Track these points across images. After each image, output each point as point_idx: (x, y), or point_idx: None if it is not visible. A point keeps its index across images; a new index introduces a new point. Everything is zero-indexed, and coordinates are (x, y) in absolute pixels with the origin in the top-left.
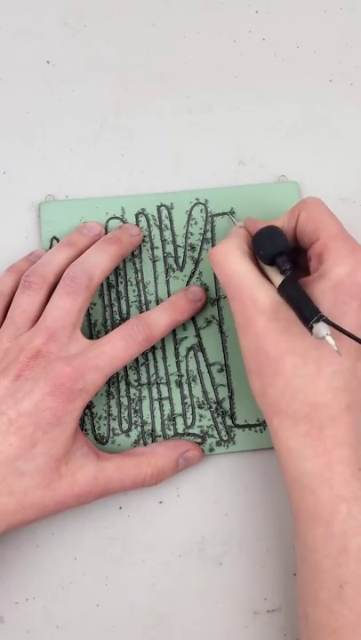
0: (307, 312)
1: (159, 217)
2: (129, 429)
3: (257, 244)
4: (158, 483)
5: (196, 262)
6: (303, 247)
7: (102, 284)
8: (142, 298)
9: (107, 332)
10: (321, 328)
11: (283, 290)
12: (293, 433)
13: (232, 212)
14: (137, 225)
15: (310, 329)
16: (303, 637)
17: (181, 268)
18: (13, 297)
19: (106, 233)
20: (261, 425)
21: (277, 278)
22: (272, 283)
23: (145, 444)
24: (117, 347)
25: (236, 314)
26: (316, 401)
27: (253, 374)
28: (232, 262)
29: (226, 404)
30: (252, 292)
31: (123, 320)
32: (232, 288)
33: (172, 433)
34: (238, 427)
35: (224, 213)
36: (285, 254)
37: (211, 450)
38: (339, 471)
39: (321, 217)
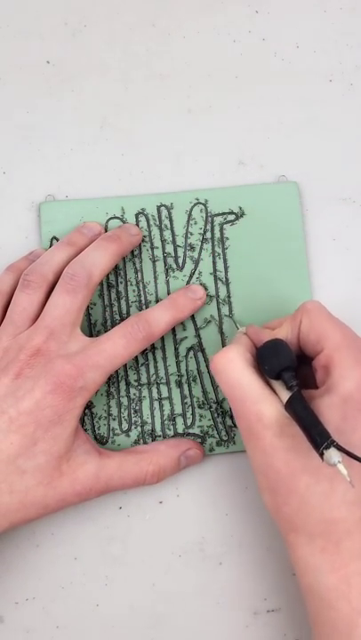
0: (317, 436)
1: (159, 217)
2: (129, 429)
3: (262, 359)
4: (159, 481)
5: (196, 262)
6: (308, 356)
7: (102, 284)
8: (142, 298)
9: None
10: (332, 455)
11: (290, 408)
12: (310, 549)
13: (233, 315)
14: (137, 225)
15: (321, 455)
16: None
17: (181, 268)
18: (12, 296)
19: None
20: None
21: (284, 394)
22: (278, 396)
23: (145, 444)
24: (118, 344)
25: (241, 428)
26: (331, 517)
27: (265, 490)
28: (235, 372)
29: (226, 404)
30: (257, 407)
31: (123, 320)
32: (235, 401)
33: (172, 433)
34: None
35: (224, 213)
36: (292, 369)
37: (211, 450)
38: (356, 584)
39: (323, 325)
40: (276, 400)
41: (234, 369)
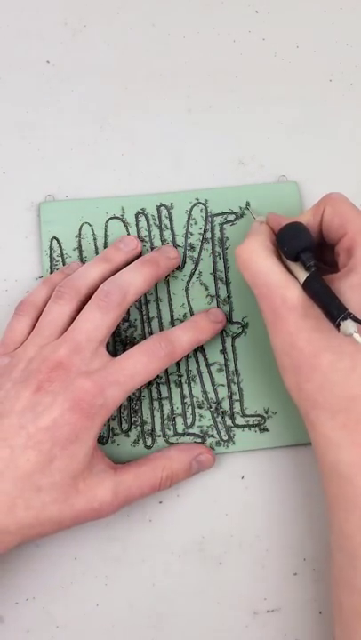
0: (333, 309)
1: (159, 217)
2: (128, 429)
3: (281, 241)
4: (172, 485)
5: (196, 262)
6: (330, 243)
7: None
8: (142, 298)
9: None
10: (348, 326)
11: (307, 286)
12: (331, 425)
13: (248, 206)
14: (137, 225)
15: (338, 327)
16: (337, 626)
17: (181, 268)
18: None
19: (105, 241)
20: (261, 425)
21: (302, 274)
22: (297, 279)
23: (145, 443)
24: (139, 362)
25: (265, 312)
26: (352, 394)
27: (288, 371)
28: (258, 260)
29: (225, 404)
30: (281, 290)
31: (122, 320)
32: (260, 287)
33: (171, 433)
34: (238, 427)
35: (224, 213)
36: (310, 250)
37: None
38: None
39: (347, 211)
40: (298, 284)
41: (257, 258)
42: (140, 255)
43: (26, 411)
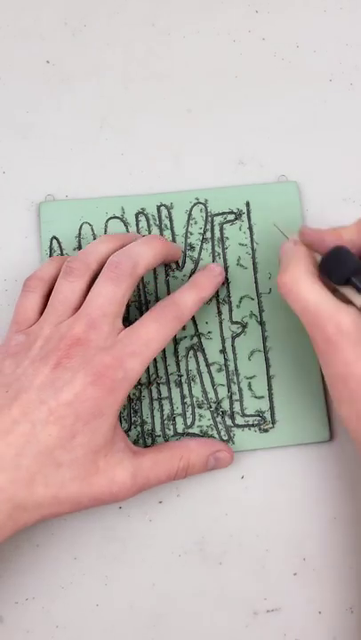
0: None
1: (159, 217)
2: (128, 429)
3: (328, 270)
4: (187, 477)
5: (196, 262)
6: None
7: None
8: (142, 297)
9: None
10: None
11: None
12: None
13: (276, 224)
14: (137, 225)
15: None
16: None
17: (181, 268)
18: (54, 285)
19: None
20: (261, 425)
21: (357, 298)
22: (352, 303)
23: (145, 443)
24: (150, 329)
25: (316, 342)
26: None
27: (345, 402)
28: (305, 288)
29: (225, 404)
30: (334, 318)
31: (123, 319)
32: (309, 315)
33: (171, 433)
34: (238, 427)
35: (224, 213)
36: (359, 272)
37: None
38: None
39: None
40: (350, 309)
41: (304, 286)
42: (150, 233)
43: (46, 386)
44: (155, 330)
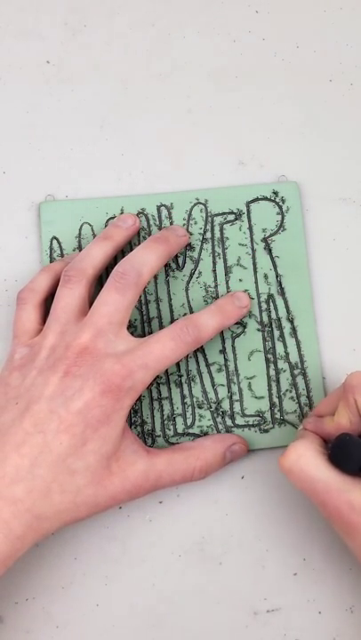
0: None
1: (159, 217)
2: None
3: (339, 460)
4: (206, 476)
5: (196, 262)
6: None
7: (102, 284)
8: (142, 297)
9: None
10: None
11: None
12: None
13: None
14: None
15: None
16: None
17: (181, 268)
18: (48, 295)
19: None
20: (261, 425)
21: None
22: None
23: (144, 443)
24: (166, 347)
25: (332, 520)
26: None
27: None
28: (310, 466)
29: (225, 404)
30: (346, 496)
31: None
32: (320, 496)
33: (171, 433)
34: (238, 427)
35: (224, 213)
36: None
37: None
38: None
39: None
40: (359, 485)
41: (308, 463)
42: (139, 232)
43: (55, 395)
44: (170, 349)
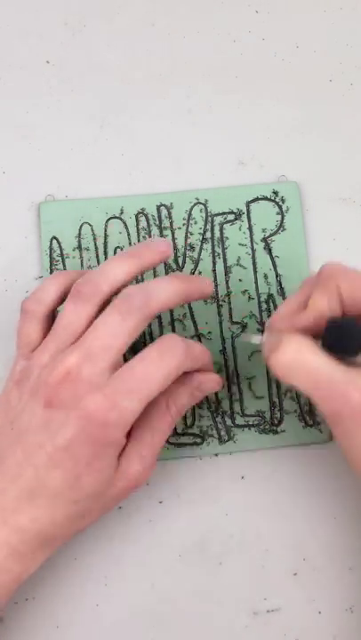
0: None
1: (159, 217)
2: None
3: (336, 346)
4: (181, 416)
5: (196, 262)
6: (355, 314)
7: None
8: None
9: None
10: None
11: None
12: None
13: (238, 334)
14: (137, 225)
15: None
16: None
17: (181, 268)
18: (55, 307)
19: (105, 241)
20: (261, 425)
21: None
22: None
23: None
24: (151, 364)
25: (332, 416)
26: None
27: None
28: (310, 360)
29: (225, 404)
30: (345, 388)
31: None
32: (321, 389)
33: (171, 433)
34: (238, 427)
35: (224, 213)
36: None
37: (211, 450)
38: None
39: None
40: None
41: (308, 356)
42: (138, 233)
43: (40, 428)
44: (156, 366)
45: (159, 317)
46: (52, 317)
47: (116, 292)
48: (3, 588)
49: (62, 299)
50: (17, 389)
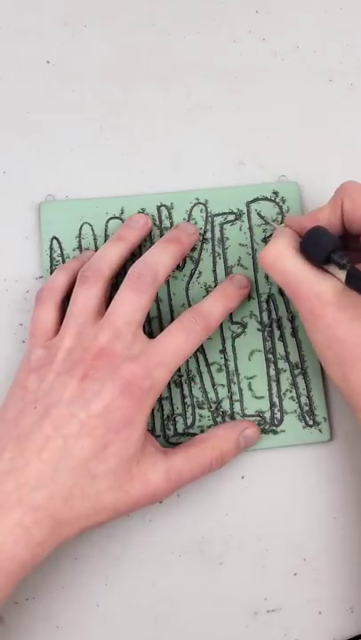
0: None
1: (159, 217)
2: None
3: (308, 249)
4: (223, 465)
5: (196, 262)
6: (354, 233)
7: None
8: None
9: None
10: None
11: (351, 282)
12: None
13: (263, 217)
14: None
15: None
16: None
17: (181, 268)
18: (66, 295)
19: (106, 241)
20: (261, 425)
21: (339, 273)
22: (336, 278)
23: None
24: (179, 340)
25: (301, 311)
26: None
27: (332, 364)
28: (286, 261)
29: (225, 404)
30: (315, 287)
31: None
32: (292, 286)
33: (171, 433)
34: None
35: (224, 213)
36: (338, 249)
37: None
38: None
39: None
40: (330, 278)
41: (285, 258)
42: (151, 232)
43: (75, 399)
44: (183, 341)
45: (160, 317)
46: (64, 305)
47: (120, 270)
48: (9, 577)
49: (71, 287)
50: (36, 375)
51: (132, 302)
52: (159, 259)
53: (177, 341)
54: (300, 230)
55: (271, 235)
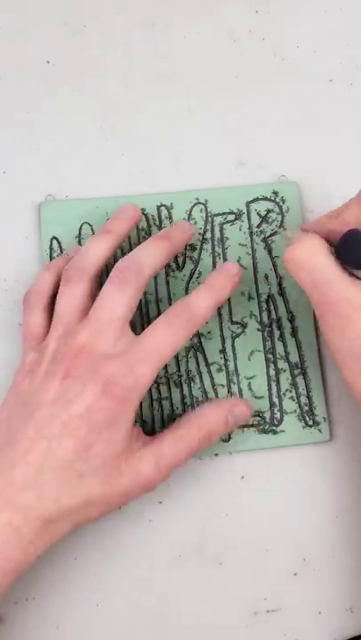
0: None
1: (159, 217)
2: None
3: (343, 254)
4: (211, 443)
5: (196, 262)
6: None
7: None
8: (142, 297)
9: None
10: None
11: None
12: None
13: (282, 229)
14: (137, 225)
15: None
16: None
17: (181, 268)
18: (53, 294)
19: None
20: (260, 425)
21: None
22: None
23: None
24: (164, 335)
25: (327, 316)
26: None
27: (358, 375)
28: (319, 261)
29: None
30: (347, 291)
31: None
32: (321, 288)
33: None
34: (238, 427)
35: (224, 213)
36: None
37: (210, 449)
38: None
39: None
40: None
41: (318, 257)
42: (138, 233)
43: (57, 400)
44: (168, 335)
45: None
46: (52, 306)
47: (107, 267)
48: (5, 576)
49: (57, 285)
50: (29, 377)
51: (114, 298)
52: (146, 254)
53: (162, 336)
54: (326, 234)
55: (274, 234)
